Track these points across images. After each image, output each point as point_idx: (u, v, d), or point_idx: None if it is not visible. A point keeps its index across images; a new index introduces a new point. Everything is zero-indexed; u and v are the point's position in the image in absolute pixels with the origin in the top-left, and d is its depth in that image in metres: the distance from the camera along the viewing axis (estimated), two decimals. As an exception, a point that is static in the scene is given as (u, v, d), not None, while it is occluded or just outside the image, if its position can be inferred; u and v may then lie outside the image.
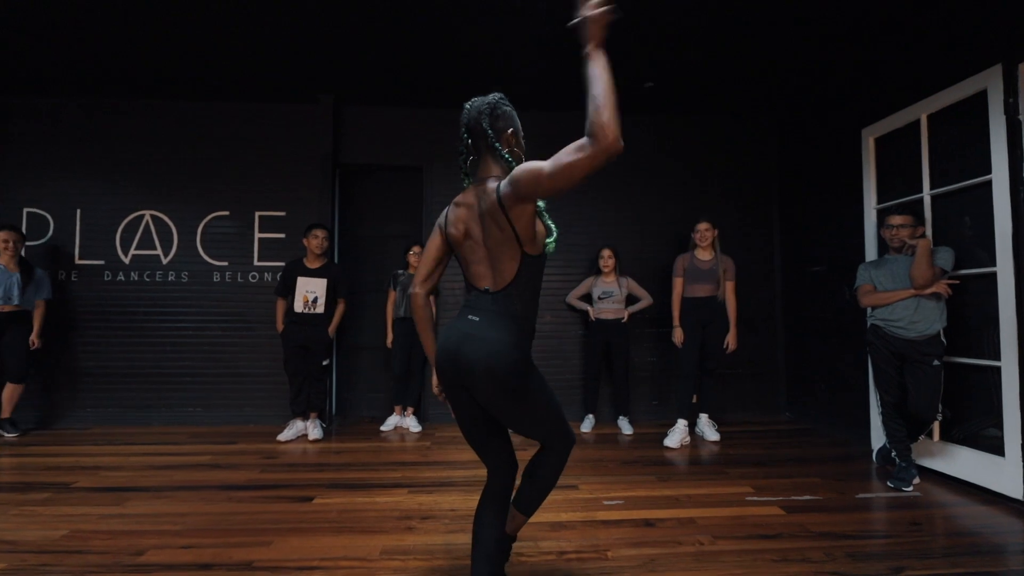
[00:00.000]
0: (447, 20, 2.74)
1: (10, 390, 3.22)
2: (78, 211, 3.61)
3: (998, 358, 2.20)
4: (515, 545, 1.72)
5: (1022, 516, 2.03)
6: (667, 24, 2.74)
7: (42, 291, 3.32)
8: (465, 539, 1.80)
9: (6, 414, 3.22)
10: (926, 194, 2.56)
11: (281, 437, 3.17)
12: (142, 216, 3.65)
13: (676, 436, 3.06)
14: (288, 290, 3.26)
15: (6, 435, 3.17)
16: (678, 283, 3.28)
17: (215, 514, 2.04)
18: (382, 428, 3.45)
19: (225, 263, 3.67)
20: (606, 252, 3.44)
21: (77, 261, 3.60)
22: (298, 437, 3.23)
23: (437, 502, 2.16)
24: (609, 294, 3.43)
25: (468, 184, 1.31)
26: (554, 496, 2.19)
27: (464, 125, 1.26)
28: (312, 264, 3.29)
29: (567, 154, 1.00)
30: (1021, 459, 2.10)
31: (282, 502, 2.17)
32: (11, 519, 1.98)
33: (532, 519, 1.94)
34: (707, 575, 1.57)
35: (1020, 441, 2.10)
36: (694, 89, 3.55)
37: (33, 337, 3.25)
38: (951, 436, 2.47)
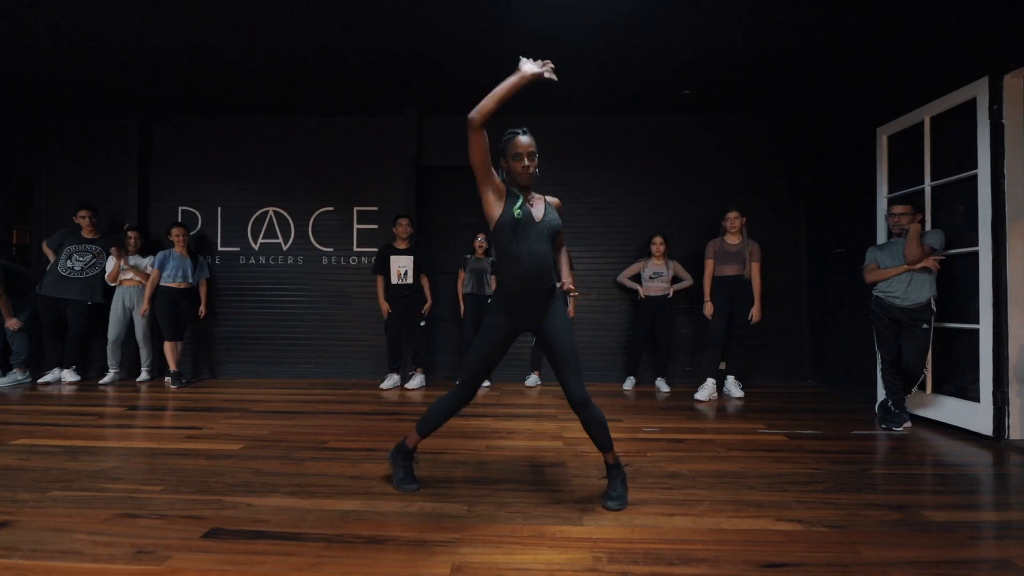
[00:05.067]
0: (500, 46, 3.38)
1: (170, 347, 4.19)
2: (219, 208, 4.56)
3: (978, 322, 2.65)
4: (574, 446, 2.41)
5: (990, 447, 2.52)
6: (703, 37, 3.26)
7: (203, 272, 4.29)
8: (522, 445, 2.50)
9: (173, 367, 4.21)
10: (927, 185, 3.00)
11: (383, 386, 4.01)
12: (267, 212, 4.55)
13: (705, 391, 3.64)
14: (384, 268, 4.07)
15: (173, 386, 4.14)
16: (709, 264, 3.82)
17: (359, 426, 2.84)
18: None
19: (331, 249, 4.52)
20: (658, 239, 4.01)
21: (219, 248, 4.56)
22: (394, 387, 4.05)
23: (511, 427, 2.88)
24: (659, 274, 4.01)
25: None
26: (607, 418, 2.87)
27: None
28: (400, 246, 4.09)
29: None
30: (992, 404, 2.57)
31: (404, 421, 2.96)
32: (224, 426, 2.85)
33: (583, 434, 2.63)
34: (719, 467, 2.20)
35: (991, 389, 2.56)
36: (730, 94, 4.02)
37: (202, 308, 4.24)
38: (941, 389, 2.93)
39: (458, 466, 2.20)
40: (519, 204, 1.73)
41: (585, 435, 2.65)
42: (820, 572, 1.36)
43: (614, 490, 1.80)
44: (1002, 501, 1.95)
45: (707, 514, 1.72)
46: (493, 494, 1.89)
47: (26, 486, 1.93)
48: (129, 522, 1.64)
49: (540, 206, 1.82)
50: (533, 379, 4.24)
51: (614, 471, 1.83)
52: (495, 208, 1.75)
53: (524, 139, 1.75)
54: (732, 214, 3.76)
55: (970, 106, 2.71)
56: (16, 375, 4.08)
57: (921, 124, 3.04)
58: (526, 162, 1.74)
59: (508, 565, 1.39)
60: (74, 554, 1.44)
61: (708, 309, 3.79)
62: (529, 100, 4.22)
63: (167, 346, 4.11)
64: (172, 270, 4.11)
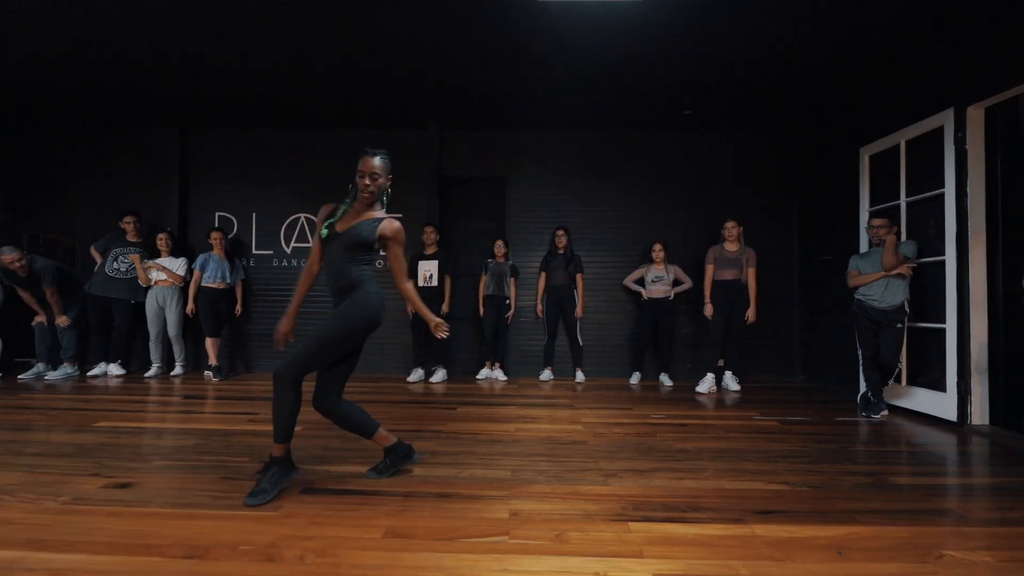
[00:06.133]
0: (519, 66, 3.73)
1: (211, 343, 4.51)
2: (254, 214, 4.89)
3: (945, 322, 3.03)
4: (592, 428, 2.76)
5: (954, 431, 2.89)
6: (704, 64, 3.63)
7: (239, 274, 4.61)
8: (547, 428, 2.85)
9: (213, 361, 4.53)
10: (903, 201, 3.37)
11: (410, 379, 4.35)
12: (298, 218, 4.88)
13: (705, 385, 4.00)
14: (413, 272, 4.42)
15: (214, 378, 4.46)
16: (709, 269, 4.19)
17: (399, 411, 3.18)
18: (477, 377, 4.56)
19: (358, 253, 4.85)
20: (657, 245, 4.38)
21: (254, 251, 4.88)
22: (419, 380, 4.39)
23: (533, 414, 3.22)
24: (660, 278, 4.38)
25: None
26: (613, 411, 3.23)
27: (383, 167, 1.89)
28: (427, 251, 4.45)
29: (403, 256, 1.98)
30: (956, 393, 2.94)
31: (437, 408, 3.30)
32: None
33: (598, 419, 2.98)
34: (719, 445, 2.55)
35: (955, 380, 2.94)
36: (727, 114, 4.40)
37: (238, 307, 4.56)
38: (914, 381, 3.30)
39: (496, 443, 2.54)
40: (328, 223, 1.92)
41: (602, 419, 3.04)
42: (802, 517, 1.71)
43: (259, 483, 1.81)
44: (958, 471, 2.32)
45: (710, 479, 2.07)
46: (530, 464, 2.23)
47: (129, 458, 2.26)
48: (233, 483, 1.97)
49: (364, 220, 1.91)
50: (547, 374, 4.58)
51: (274, 462, 1.85)
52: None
53: (370, 160, 1.90)
54: (730, 223, 4.13)
55: (939, 133, 3.09)
56: (66, 368, 4.39)
57: (898, 146, 3.42)
58: (366, 180, 1.89)
59: (553, 512, 1.73)
60: (200, 505, 1.77)
61: (708, 310, 4.16)
62: (542, 117, 4.59)
63: (208, 342, 4.43)
64: (212, 272, 4.43)
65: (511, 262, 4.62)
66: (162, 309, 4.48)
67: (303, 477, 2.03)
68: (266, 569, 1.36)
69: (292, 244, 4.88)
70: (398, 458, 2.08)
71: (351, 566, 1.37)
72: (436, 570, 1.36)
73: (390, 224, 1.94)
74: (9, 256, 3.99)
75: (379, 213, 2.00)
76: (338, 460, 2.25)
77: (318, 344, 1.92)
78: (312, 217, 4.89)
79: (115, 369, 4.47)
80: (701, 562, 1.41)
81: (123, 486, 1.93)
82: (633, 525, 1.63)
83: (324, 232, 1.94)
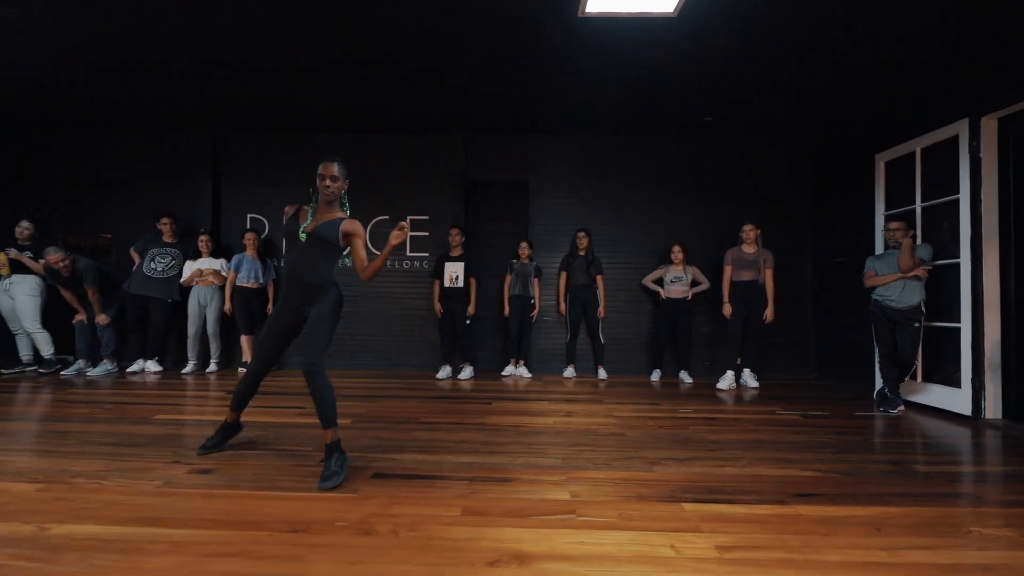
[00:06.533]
0: (544, 73, 3.88)
1: (246, 340, 4.67)
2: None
3: (960, 321, 3.18)
4: (627, 422, 2.92)
5: (969, 425, 3.04)
6: (725, 74, 3.79)
7: (271, 274, 4.77)
8: (584, 421, 3.00)
9: (247, 358, 4.68)
10: (918, 206, 3.53)
11: (439, 376, 4.50)
12: (328, 219, 5.03)
13: (725, 381, 4.16)
14: (439, 273, 4.57)
15: (249, 372, 4.61)
16: (728, 270, 4.34)
17: (437, 406, 3.33)
18: (502, 374, 4.71)
19: (385, 254, 5.00)
20: (676, 247, 4.54)
21: (284, 253, 5.03)
22: (447, 377, 4.54)
23: (567, 408, 3.38)
24: (679, 279, 4.53)
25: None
26: (641, 406, 3.39)
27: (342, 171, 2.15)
28: (453, 253, 4.60)
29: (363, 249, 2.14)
30: (970, 388, 3.09)
31: (473, 403, 3.46)
32: (322, 406, 3.33)
33: (630, 413, 3.14)
34: (749, 436, 2.71)
35: (970, 376, 3.09)
36: (747, 120, 4.55)
37: (269, 306, 4.71)
38: (930, 378, 3.46)
39: (539, 435, 2.70)
40: (303, 228, 2.17)
41: (633, 413, 3.21)
42: (838, 499, 1.87)
43: (327, 468, 1.98)
44: (975, 460, 2.47)
45: (747, 467, 2.23)
46: (576, 453, 2.39)
47: (197, 446, 2.41)
48: (306, 469, 2.12)
49: (327, 221, 2.15)
50: (570, 371, 4.74)
51: (333, 447, 2.02)
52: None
53: (330, 165, 2.16)
54: (748, 226, 4.29)
55: (954, 141, 3.24)
56: (106, 365, 4.54)
57: (913, 154, 3.57)
58: (327, 181, 2.16)
59: (610, 494, 1.89)
60: (284, 488, 1.92)
61: (727, 310, 4.31)
62: (565, 123, 4.74)
63: (243, 340, 4.59)
64: (246, 272, 4.59)
65: (535, 263, 4.77)
66: (202, 308, 4.63)
67: (371, 464, 2.18)
68: (366, 541, 1.51)
69: (322, 245, 5.03)
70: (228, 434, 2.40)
71: (441, 539, 1.53)
72: (519, 542, 1.51)
73: (350, 222, 2.20)
74: (54, 256, 4.14)
75: (339, 214, 2.24)
76: (396, 450, 2.40)
77: (326, 333, 2.16)
78: (341, 219, 5.05)
79: (152, 366, 4.62)
80: (755, 536, 1.56)
81: (206, 472, 2.09)
82: (686, 506, 1.79)
83: (303, 235, 2.18)
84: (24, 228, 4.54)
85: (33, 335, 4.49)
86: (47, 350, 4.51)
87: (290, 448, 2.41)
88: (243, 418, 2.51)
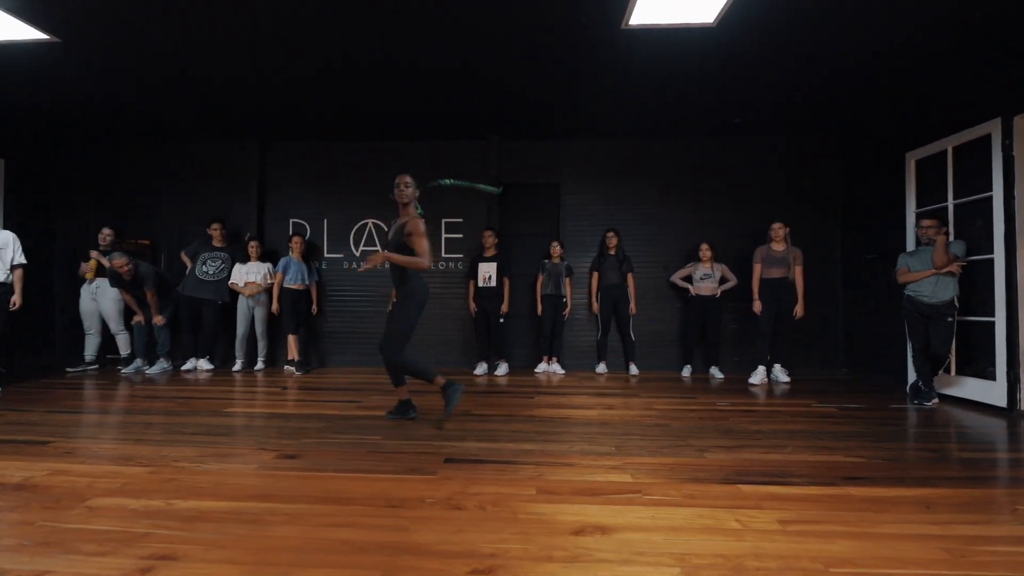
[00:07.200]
0: (576, 82, 4.02)
1: (293, 339, 4.91)
2: (325, 220, 5.27)
3: (994, 316, 3.26)
4: (667, 414, 3.06)
5: (1004, 416, 3.12)
6: (755, 76, 3.89)
7: (314, 275, 4.99)
8: (625, 413, 3.15)
9: (294, 356, 4.91)
10: (951, 203, 3.60)
11: (476, 372, 4.68)
12: (366, 223, 5.26)
13: (757, 376, 4.27)
14: (473, 273, 4.75)
15: (296, 372, 4.84)
16: (757, 268, 4.45)
17: (482, 400, 3.51)
18: (536, 371, 4.88)
19: (422, 255, 5.20)
20: (704, 245, 4.66)
21: (325, 255, 5.26)
22: (483, 373, 4.72)
23: (606, 402, 3.52)
24: (708, 276, 4.65)
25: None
26: (678, 399, 3.52)
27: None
28: (487, 254, 4.77)
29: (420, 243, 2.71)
30: (1006, 381, 3.17)
31: (516, 397, 3.62)
32: (379, 400, 3.53)
33: (669, 406, 3.28)
34: (790, 427, 2.83)
35: (1005, 370, 3.17)
36: (775, 119, 4.65)
37: (314, 307, 4.95)
38: (963, 371, 3.54)
39: (588, 425, 2.86)
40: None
41: (672, 406, 3.33)
42: (885, 482, 1.99)
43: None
44: (1011, 448, 2.56)
45: (793, 454, 2.35)
46: (627, 441, 2.54)
47: (279, 436, 2.61)
48: (385, 455, 2.31)
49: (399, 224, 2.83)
50: (602, 367, 4.88)
51: (448, 386, 2.88)
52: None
53: (400, 175, 2.84)
54: (777, 224, 4.39)
55: (986, 140, 3.32)
56: (162, 364, 4.80)
57: (945, 152, 3.65)
58: (401, 187, 2.80)
59: (669, 476, 2.03)
60: (367, 471, 2.11)
61: (757, 307, 4.42)
62: (595, 126, 4.88)
63: (290, 339, 4.82)
64: (292, 274, 4.82)
65: (566, 262, 4.92)
66: (251, 309, 4.88)
67: (440, 451, 2.36)
68: (458, 515, 1.68)
69: (361, 247, 5.25)
70: (404, 409, 2.98)
71: (526, 513, 1.70)
72: (596, 516, 1.67)
73: (411, 221, 2.75)
74: (119, 261, 4.41)
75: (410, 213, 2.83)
76: (458, 439, 2.58)
77: (397, 323, 2.85)
78: (378, 222, 5.27)
79: (204, 364, 4.88)
80: (813, 512, 1.70)
81: (291, 457, 2.28)
82: (742, 487, 1.93)
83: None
84: (106, 235, 4.88)
85: (117, 336, 4.86)
86: (126, 349, 4.88)
87: (361, 438, 2.59)
88: (312, 411, 2.75)
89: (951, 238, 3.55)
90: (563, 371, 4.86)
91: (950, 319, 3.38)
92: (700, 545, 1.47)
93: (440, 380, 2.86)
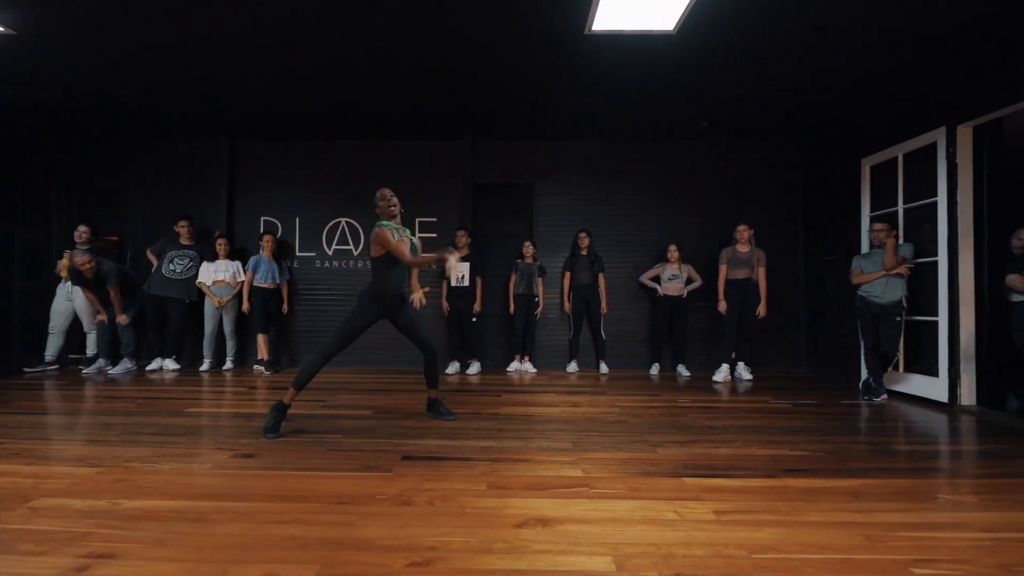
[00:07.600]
0: (553, 83, 4.09)
1: (263, 339, 4.85)
2: (297, 219, 5.22)
3: (938, 315, 3.42)
4: (628, 411, 3.13)
5: (945, 411, 3.28)
6: (724, 85, 4.00)
7: (285, 274, 4.95)
8: (589, 411, 3.21)
9: (263, 356, 4.86)
10: (900, 207, 3.76)
11: (448, 371, 4.70)
12: (339, 222, 5.22)
13: (721, 374, 4.39)
14: (446, 273, 4.77)
15: (266, 371, 4.79)
16: (723, 268, 4.57)
17: (450, 398, 3.52)
18: (508, 369, 4.92)
19: (395, 254, 5.19)
20: (672, 246, 4.76)
21: (297, 253, 5.22)
22: (456, 372, 4.74)
23: (573, 400, 3.59)
24: (676, 276, 4.76)
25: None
26: (642, 397, 3.60)
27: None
28: (460, 254, 4.79)
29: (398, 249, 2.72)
30: (947, 377, 3.33)
31: (484, 396, 3.66)
32: (345, 399, 3.53)
33: (632, 403, 3.35)
34: (743, 422, 2.93)
35: (947, 366, 3.33)
36: (740, 126, 4.78)
37: (284, 306, 4.90)
38: (910, 368, 3.70)
39: (550, 422, 2.91)
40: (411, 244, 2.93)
41: (635, 403, 3.41)
42: (823, 473, 2.09)
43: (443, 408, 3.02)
44: (949, 441, 2.70)
45: (742, 447, 2.44)
46: (585, 437, 2.60)
47: (237, 436, 2.60)
48: (343, 454, 2.32)
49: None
50: (573, 366, 4.95)
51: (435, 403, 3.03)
52: (380, 249, 2.81)
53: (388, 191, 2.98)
54: (742, 227, 4.51)
55: (932, 148, 3.48)
56: (126, 363, 4.70)
57: (896, 159, 3.80)
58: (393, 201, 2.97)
59: (618, 471, 2.09)
60: (323, 468, 2.12)
61: (722, 307, 4.54)
62: (567, 128, 4.94)
63: (260, 338, 4.77)
64: (263, 272, 4.77)
65: (539, 263, 4.98)
66: (219, 308, 4.81)
67: (398, 448, 2.38)
68: (406, 510, 1.71)
69: (334, 246, 5.22)
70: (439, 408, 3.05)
71: (473, 507, 1.74)
72: (541, 509, 1.72)
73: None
74: (81, 259, 4.31)
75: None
76: (419, 436, 2.61)
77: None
78: (351, 221, 5.24)
79: (170, 364, 4.80)
80: (748, 503, 1.78)
81: (248, 456, 2.28)
82: (687, 480, 2.00)
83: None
84: (82, 232, 4.74)
85: (89, 335, 4.78)
86: (94, 349, 4.79)
87: (320, 437, 2.60)
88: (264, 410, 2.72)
89: (900, 241, 3.71)
90: (535, 370, 4.91)
91: (898, 319, 3.53)
92: (635, 535, 1.53)
93: (286, 399, 2.74)
